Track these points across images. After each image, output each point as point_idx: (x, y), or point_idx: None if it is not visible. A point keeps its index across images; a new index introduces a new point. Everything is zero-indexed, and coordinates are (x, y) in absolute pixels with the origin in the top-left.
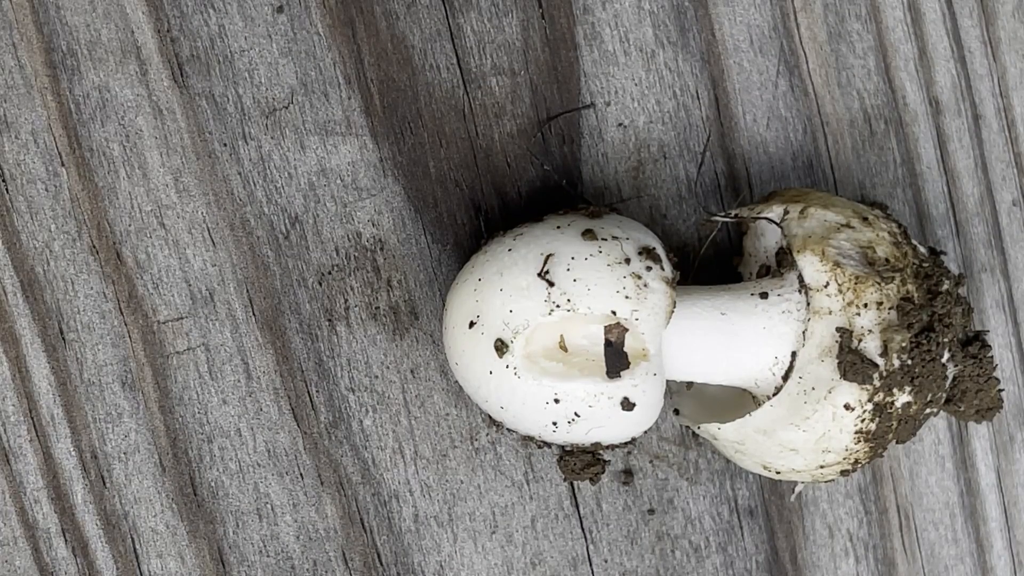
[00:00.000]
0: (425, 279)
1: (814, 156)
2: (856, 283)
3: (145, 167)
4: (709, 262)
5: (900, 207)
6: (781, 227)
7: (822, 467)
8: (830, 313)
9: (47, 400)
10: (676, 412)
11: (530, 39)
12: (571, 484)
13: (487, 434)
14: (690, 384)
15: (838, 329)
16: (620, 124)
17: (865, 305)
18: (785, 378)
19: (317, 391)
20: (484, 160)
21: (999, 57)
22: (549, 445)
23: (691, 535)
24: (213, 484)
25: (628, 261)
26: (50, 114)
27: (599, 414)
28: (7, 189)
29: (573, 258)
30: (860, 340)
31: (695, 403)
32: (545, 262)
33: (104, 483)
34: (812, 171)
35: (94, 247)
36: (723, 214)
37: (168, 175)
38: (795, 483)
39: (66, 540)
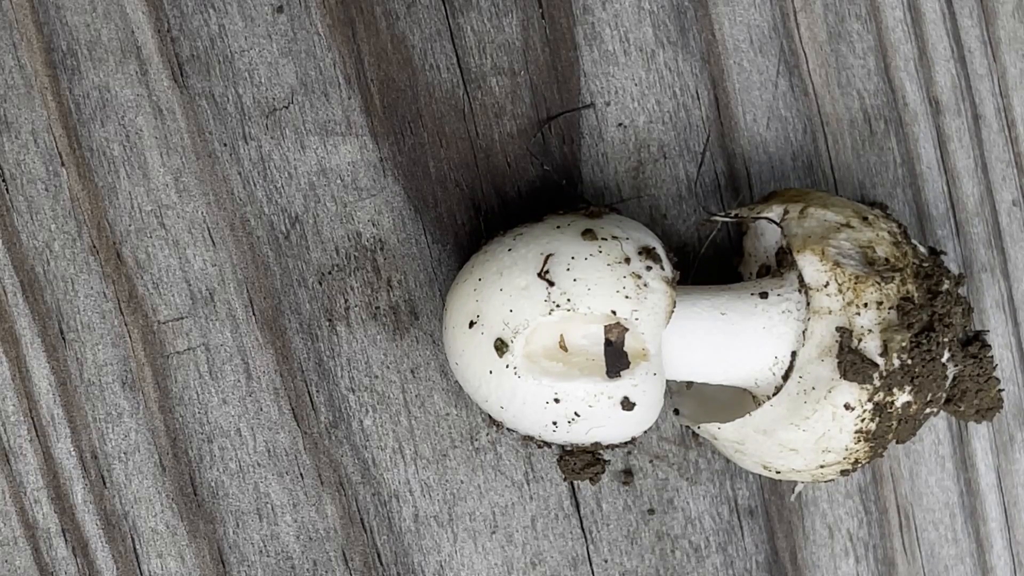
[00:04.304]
0: (425, 279)
1: (814, 156)
2: (856, 283)
3: (145, 167)
4: (709, 262)
5: (900, 207)
6: (781, 227)
7: (822, 467)
8: (830, 313)
9: (47, 400)
10: (676, 412)
11: (530, 39)
12: (571, 484)
13: (487, 434)
14: (690, 384)
15: (838, 329)
16: (620, 124)
17: (865, 305)
18: (785, 378)
19: (317, 391)
20: (484, 160)
21: (999, 57)
22: (549, 445)
23: (691, 535)
24: (213, 484)
25: (628, 261)
26: (50, 114)
27: (599, 414)
28: (7, 189)
29: (573, 258)
30: (860, 340)
31: (695, 403)
32: (545, 262)
33: (104, 483)
34: (812, 171)
35: (94, 247)
36: (723, 214)
37: (168, 175)
38: (795, 483)
39: (66, 540)
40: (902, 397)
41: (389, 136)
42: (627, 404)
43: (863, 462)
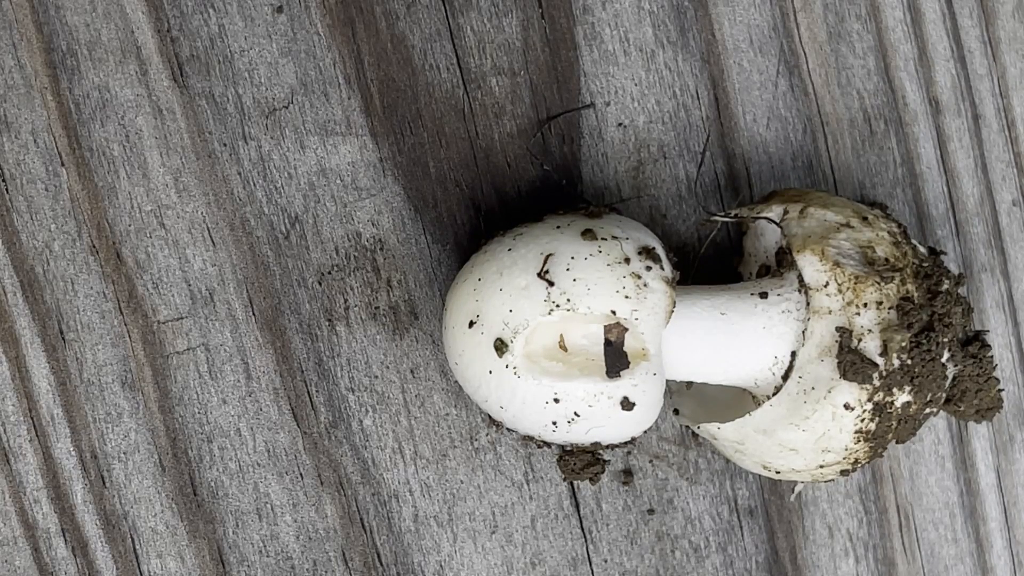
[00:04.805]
0: (425, 279)
1: (814, 156)
2: (856, 283)
3: (145, 167)
4: (709, 262)
5: (900, 207)
6: (781, 227)
7: (822, 467)
8: (830, 313)
9: (47, 400)
10: (676, 412)
11: (530, 39)
12: (571, 484)
13: (487, 434)
14: (690, 384)
15: (838, 329)
16: (620, 124)
17: (865, 305)
18: (785, 378)
19: (317, 391)
20: (484, 160)
21: (999, 57)
22: (549, 445)
23: (691, 535)
24: (213, 484)
25: (628, 261)
26: (50, 114)
27: (599, 414)
28: (7, 189)
29: (573, 258)
30: (860, 340)
31: (695, 403)
32: (545, 262)
33: (104, 483)
34: (812, 171)
35: (94, 247)
36: (723, 214)
37: (168, 175)
38: (795, 483)
39: (66, 540)
40: (902, 397)
41: (389, 136)
42: (627, 404)
43: (863, 462)
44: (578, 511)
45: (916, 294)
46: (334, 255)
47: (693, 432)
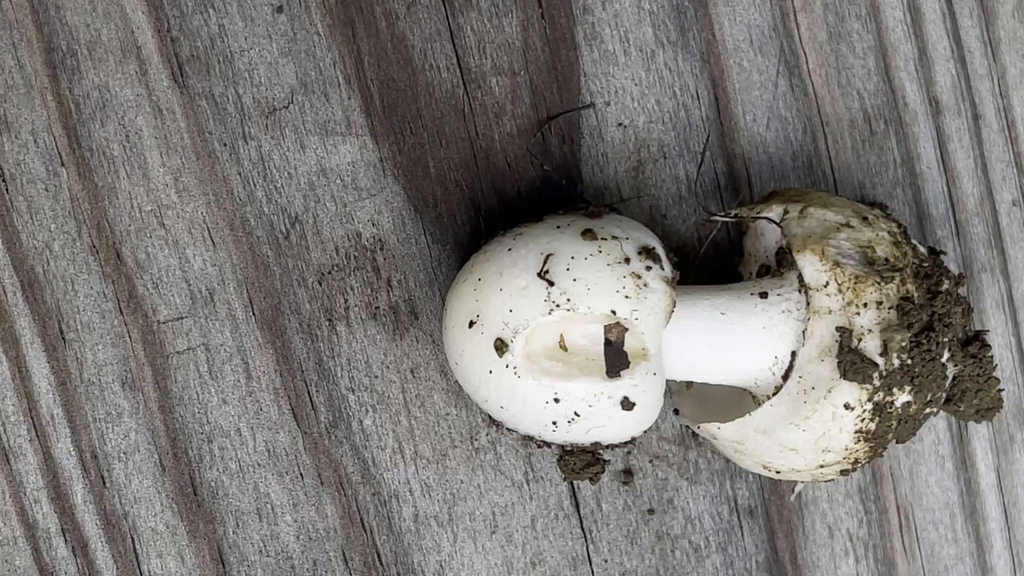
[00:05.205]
0: (425, 279)
1: (814, 156)
2: (856, 283)
3: (145, 167)
4: (709, 262)
5: (900, 207)
6: (781, 227)
7: (822, 467)
8: (830, 313)
9: (47, 400)
10: (676, 412)
11: (530, 39)
12: (571, 484)
13: (487, 434)
14: (690, 384)
15: (838, 328)
16: (620, 124)
17: (865, 305)
18: (785, 378)
19: (317, 391)
20: (484, 160)
21: (999, 57)
22: (549, 445)
23: (691, 535)
24: (213, 484)
25: (628, 261)
26: (50, 114)
27: (599, 414)
28: (7, 189)
29: (573, 258)
30: (860, 340)
31: (695, 403)
32: (545, 262)
33: (104, 483)
34: (812, 171)
35: (94, 247)
36: (723, 214)
37: (168, 175)
38: (795, 483)
39: (66, 540)
40: (902, 397)
41: (389, 136)
42: (627, 404)
43: (863, 462)
44: (578, 511)
45: (916, 294)
46: (334, 255)
47: (693, 432)
